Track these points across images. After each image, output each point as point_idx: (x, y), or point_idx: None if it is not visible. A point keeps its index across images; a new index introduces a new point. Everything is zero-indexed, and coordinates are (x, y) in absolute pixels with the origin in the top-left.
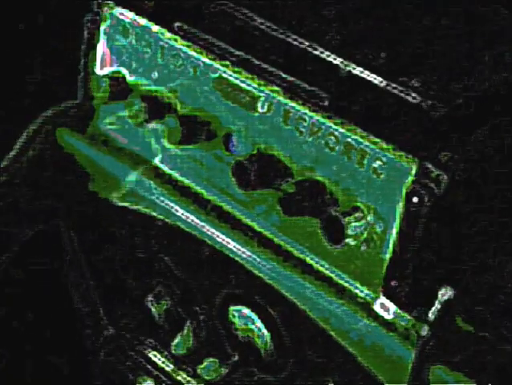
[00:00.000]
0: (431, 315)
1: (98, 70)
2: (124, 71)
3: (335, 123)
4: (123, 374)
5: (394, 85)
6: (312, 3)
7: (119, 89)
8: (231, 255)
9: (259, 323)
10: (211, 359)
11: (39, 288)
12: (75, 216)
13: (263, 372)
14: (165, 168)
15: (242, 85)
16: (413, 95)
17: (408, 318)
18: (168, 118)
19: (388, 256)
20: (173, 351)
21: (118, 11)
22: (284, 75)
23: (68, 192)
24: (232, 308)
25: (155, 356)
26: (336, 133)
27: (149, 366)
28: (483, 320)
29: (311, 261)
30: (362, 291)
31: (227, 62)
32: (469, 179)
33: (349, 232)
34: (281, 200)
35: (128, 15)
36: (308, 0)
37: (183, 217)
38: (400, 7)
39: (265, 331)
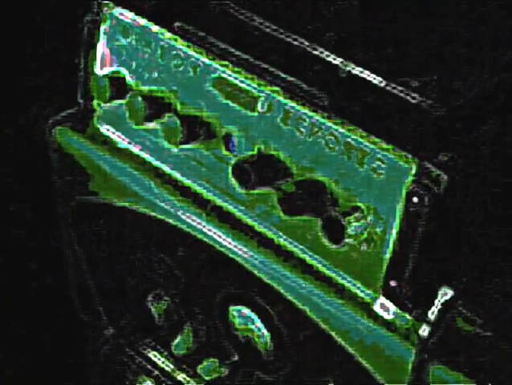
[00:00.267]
0: (431, 315)
1: (98, 70)
2: (124, 71)
3: (335, 123)
4: (123, 374)
5: (394, 85)
6: (312, 3)
7: (119, 89)
8: (231, 255)
9: (259, 323)
10: (211, 359)
11: (39, 288)
12: (74, 216)
13: (263, 372)
14: (165, 168)
15: (242, 85)
16: (413, 95)
17: (408, 318)
18: (168, 118)
19: (388, 256)
20: (173, 351)
21: (118, 11)
22: (284, 75)
23: (68, 192)
24: (232, 308)
25: (155, 356)
26: (336, 133)
27: (149, 366)
28: (483, 320)
29: (311, 261)
30: (362, 291)
31: (227, 62)
32: (469, 179)
33: (349, 232)
34: (281, 200)
35: (128, 15)
36: (308, 0)
37: (183, 217)
38: (400, 7)
39: (265, 331)
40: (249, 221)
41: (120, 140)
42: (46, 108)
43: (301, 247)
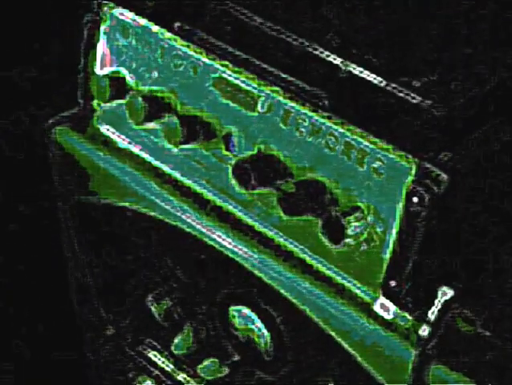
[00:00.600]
0: (431, 315)
1: (98, 70)
2: (124, 71)
3: (335, 123)
4: (123, 374)
5: (394, 85)
6: (312, 3)
7: (119, 89)
8: (231, 255)
9: (259, 323)
10: (211, 359)
11: (39, 288)
12: (75, 216)
13: (263, 372)
14: (165, 168)
15: (242, 85)
16: (413, 95)
17: (408, 318)
18: (168, 118)
19: (388, 256)
20: (173, 351)
21: (118, 11)
22: (284, 75)
23: (68, 192)
24: (232, 308)
25: (155, 356)
26: (336, 133)
27: (149, 366)
28: (483, 320)
29: (311, 261)
30: (362, 291)
31: (227, 62)
32: (469, 179)
33: (349, 232)
34: (281, 200)
35: (128, 15)
36: (308, 0)
37: (183, 217)
38: (401, 7)
39: (265, 331)
40: (249, 221)
41: (120, 140)
42: (46, 108)
43: (301, 247)
